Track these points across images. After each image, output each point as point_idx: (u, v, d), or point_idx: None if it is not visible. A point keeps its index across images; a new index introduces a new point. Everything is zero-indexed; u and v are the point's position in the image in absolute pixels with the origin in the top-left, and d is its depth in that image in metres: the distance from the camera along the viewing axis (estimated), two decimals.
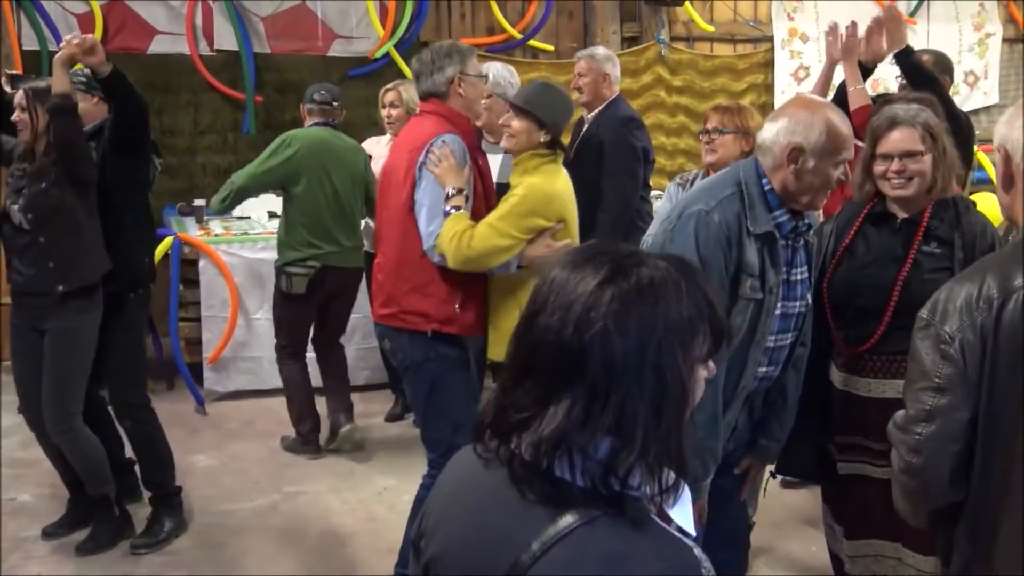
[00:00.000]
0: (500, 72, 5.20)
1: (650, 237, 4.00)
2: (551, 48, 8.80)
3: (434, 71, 4.06)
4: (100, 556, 4.57)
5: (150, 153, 4.71)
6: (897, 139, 3.28)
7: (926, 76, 4.65)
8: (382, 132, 6.43)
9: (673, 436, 1.41)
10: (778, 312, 3.07)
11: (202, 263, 6.72)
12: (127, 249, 4.61)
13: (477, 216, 3.93)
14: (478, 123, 4.36)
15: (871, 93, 5.05)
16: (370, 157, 5.97)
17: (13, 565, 4.51)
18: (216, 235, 6.94)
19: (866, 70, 4.93)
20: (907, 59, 4.72)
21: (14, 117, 4.40)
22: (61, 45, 4.29)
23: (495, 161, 4.62)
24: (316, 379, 6.01)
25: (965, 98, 9.35)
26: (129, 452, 4.92)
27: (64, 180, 4.35)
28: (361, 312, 6.31)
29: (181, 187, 7.84)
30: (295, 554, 4.65)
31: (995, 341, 1.99)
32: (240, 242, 6.83)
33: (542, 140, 3.94)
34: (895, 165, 3.26)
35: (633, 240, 4.81)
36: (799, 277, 3.14)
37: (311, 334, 5.98)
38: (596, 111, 5.68)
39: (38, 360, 4.48)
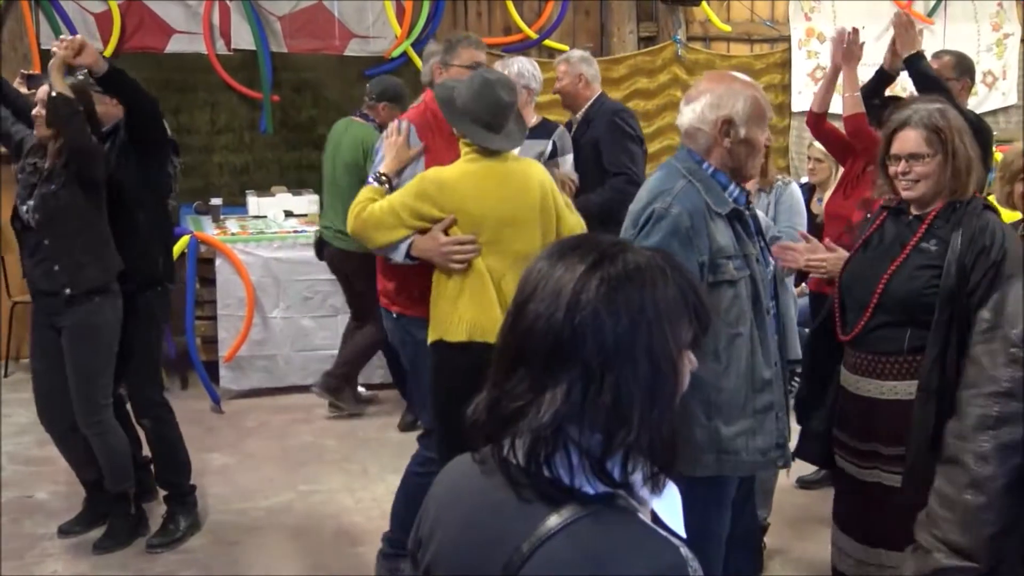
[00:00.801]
0: (524, 65, 5.37)
1: None
2: (567, 48, 8.74)
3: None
4: (116, 554, 4.60)
5: (167, 153, 4.72)
6: (903, 141, 3.28)
7: (934, 82, 4.63)
8: None
9: (666, 419, 1.41)
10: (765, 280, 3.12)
11: (218, 262, 6.74)
12: (140, 248, 4.60)
13: None
14: None
15: (887, 94, 5.05)
16: None
17: (30, 563, 4.54)
18: (232, 234, 6.96)
19: (890, 77, 4.93)
20: (916, 65, 4.70)
21: (34, 112, 4.41)
22: (52, 50, 4.28)
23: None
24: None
25: (983, 99, 9.30)
26: (146, 451, 4.94)
27: (74, 181, 4.36)
28: None
29: (198, 186, 7.85)
30: (309, 552, 4.66)
31: None
32: (256, 241, 6.84)
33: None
34: (901, 166, 3.27)
35: None
36: (760, 245, 3.17)
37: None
38: (582, 111, 5.70)
39: (57, 358, 4.50)
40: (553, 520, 1.38)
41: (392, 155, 3.93)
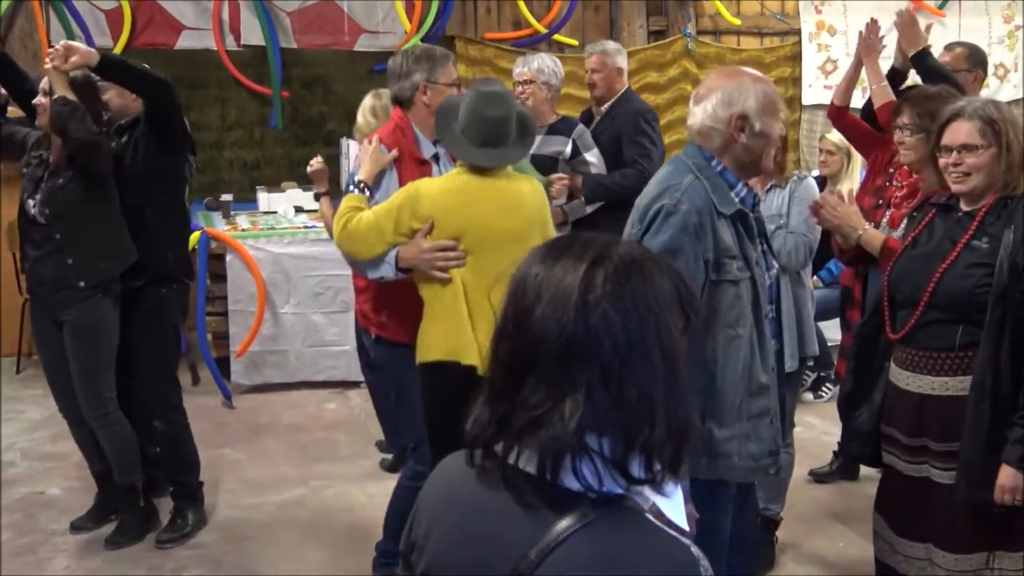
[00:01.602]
0: (545, 61, 5.42)
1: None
2: (576, 43, 8.75)
3: (401, 76, 3.99)
4: (127, 550, 4.60)
5: (185, 149, 4.72)
6: (956, 131, 3.19)
7: (943, 76, 4.60)
8: None
9: (683, 409, 1.41)
10: (766, 283, 3.07)
11: (229, 257, 6.74)
12: (149, 243, 4.59)
13: None
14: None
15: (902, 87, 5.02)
16: None
17: (42, 558, 4.54)
18: (243, 230, 6.96)
19: (901, 74, 4.90)
20: (923, 62, 4.67)
21: (35, 100, 4.42)
22: (48, 61, 4.29)
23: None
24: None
25: (995, 91, 9.25)
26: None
27: (80, 175, 4.38)
28: None
29: (208, 182, 7.85)
30: (321, 547, 4.66)
31: None
32: (267, 237, 6.85)
33: None
34: (952, 157, 3.18)
35: None
36: (762, 249, 3.11)
37: None
38: (608, 104, 5.67)
39: (61, 349, 4.51)
40: (563, 524, 1.36)
41: (369, 162, 3.90)
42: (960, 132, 3.18)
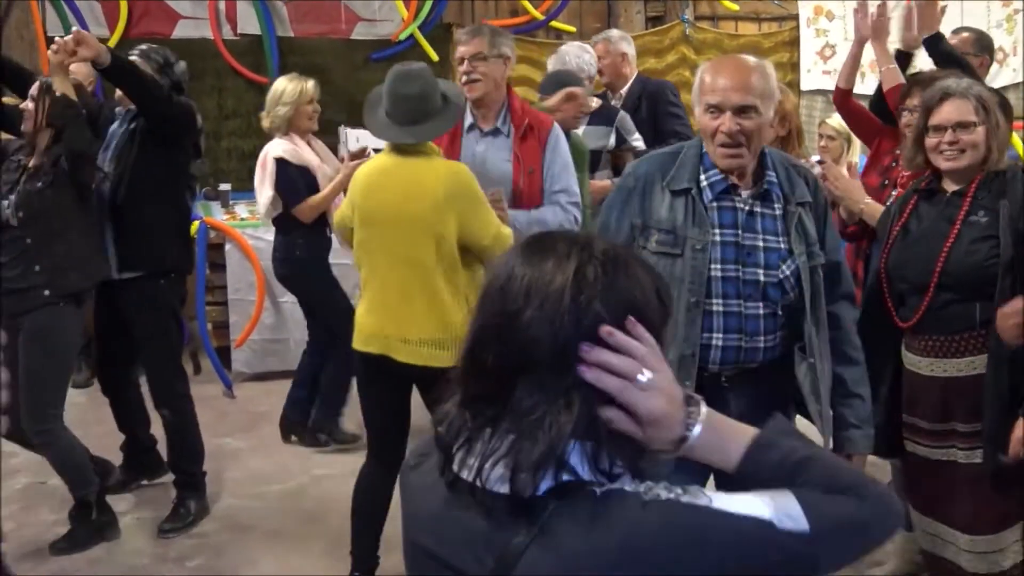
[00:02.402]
0: (577, 52, 5.52)
1: None
2: (573, 29, 8.74)
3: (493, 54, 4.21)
4: (128, 540, 4.61)
5: (189, 145, 4.71)
6: (950, 110, 3.25)
7: (957, 61, 4.59)
8: None
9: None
10: (718, 275, 2.92)
11: (228, 247, 6.75)
12: (146, 235, 4.58)
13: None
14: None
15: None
16: None
17: (43, 548, 4.53)
18: (242, 219, 6.95)
19: (907, 56, 4.87)
20: (937, 45, 4.65)
21: (22, 105, 4.38)
22: (51, 52, 4.27)
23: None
24: None
25: (994, 75, 9.20)
26: (152, 430, 5.01)
27: (64, 181, 4.29)
28: None
29: (206, 171, 7.84)
30: (323, 536, 4.66)
31: None
32: (266, 226, 6.82)
33: None
34: (948, 136, 3.24)
35: None
36: (761, 244, 2.97)
37: None
38: (624, 89, 5.76)
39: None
40: (521, 536, 1.34)
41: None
42: (954, 111, 3.24)
